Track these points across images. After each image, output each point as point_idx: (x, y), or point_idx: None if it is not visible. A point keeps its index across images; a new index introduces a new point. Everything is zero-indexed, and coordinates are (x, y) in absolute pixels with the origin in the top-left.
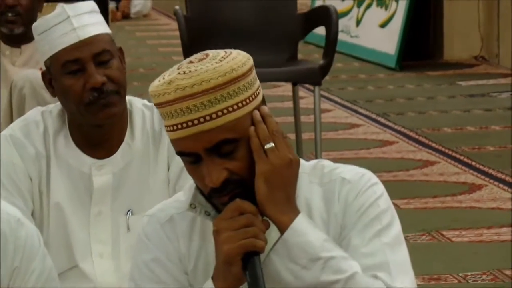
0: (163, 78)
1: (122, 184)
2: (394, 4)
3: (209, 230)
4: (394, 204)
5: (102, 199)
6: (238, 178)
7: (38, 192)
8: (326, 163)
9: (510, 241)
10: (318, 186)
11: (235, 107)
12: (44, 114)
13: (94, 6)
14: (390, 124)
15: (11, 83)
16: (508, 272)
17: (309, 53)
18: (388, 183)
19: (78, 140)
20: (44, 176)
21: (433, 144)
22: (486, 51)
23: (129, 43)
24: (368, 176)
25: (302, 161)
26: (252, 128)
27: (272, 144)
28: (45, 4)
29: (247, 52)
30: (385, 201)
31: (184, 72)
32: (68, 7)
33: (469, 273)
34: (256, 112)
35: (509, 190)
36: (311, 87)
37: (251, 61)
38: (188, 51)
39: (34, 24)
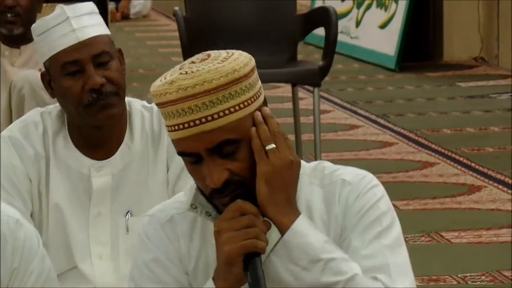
0: (165, 78)
1: (121, 185)
2: (393, 5)
3: (210, 231)
4: (394, 205)
5: (101, 200)
6: (239, 179)
7: (37, 193)
8: (326, 165)
9: (509, 242)
10: (319, 188)
11: (237, 107)
12: (43, 115)
13: (93, 7)
14: (389, 125)
15: (11, 84)
16: (507, 273)
17: (308, 54)
18: (388, 184)
19: (77, 141)
20: (43, 177)
21: (433, 145)
22: (485, 52)
23: (129, 44)
24: (368, 178)
25: (302, 162)
26: (254, 129)
27: (273, 145)
28: (44, 4)
29: (247, 53)
30: (386, 203)
31: (186, 72)
32: (67, 8)
33: (468, 274)
34: (258, 113)
35: (509, 191)
36: (311, 88)
37: (253, 62)
38: (187, 52)
39: (33, 25)
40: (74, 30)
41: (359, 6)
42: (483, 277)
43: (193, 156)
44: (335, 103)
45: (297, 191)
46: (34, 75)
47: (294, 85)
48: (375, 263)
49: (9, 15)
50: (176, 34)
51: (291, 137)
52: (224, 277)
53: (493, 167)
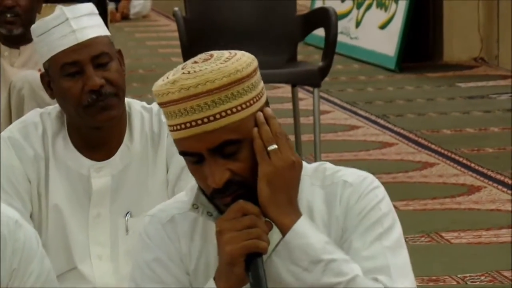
0: (167, 78)
1: (121, 186)
2: (393, 5)
3: (211, 231)
4: (393, 206)
5: (101, 201)
6: (241, 179)
7: (36, 194)
8: (328, 166)
9: (509, 242)
10: (320, 189)
11: (239, 108)
12: (43, 115)
13: (93, 8)
14: (389, 125)
15: (10, 84)
16: (507, 274)
17: (308, 54)
18: (388, 184)
19: (76, 142)
20: (42, 178)
21: (433, 146)
22: (485, 52)
23: (129, 44)
24: (370, 180)
25: (304, 163)
26: (256, 129)
27: (275, 146)
28: (44, 5)
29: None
30: (387, 205)
31: (189, 72)
32: (67, 9)
33: (467, 275)
34: (260, 114)
35: (508, 191)
36: (311, 89)
37: (255, 63)
38: (187, 53)
39: (33, 26)
40: (73, 31)
41: (359, 6)
42: (482, 278)
43: (195, 156)
44: (335, 104)
45: (298, 192)
46: (33, 75)
47: (294, 86)
48: (375, 264)
49: (8, 15)
50: (176, 34)
51: (291, 137)
52: (226, 277)
53: (493, 167)
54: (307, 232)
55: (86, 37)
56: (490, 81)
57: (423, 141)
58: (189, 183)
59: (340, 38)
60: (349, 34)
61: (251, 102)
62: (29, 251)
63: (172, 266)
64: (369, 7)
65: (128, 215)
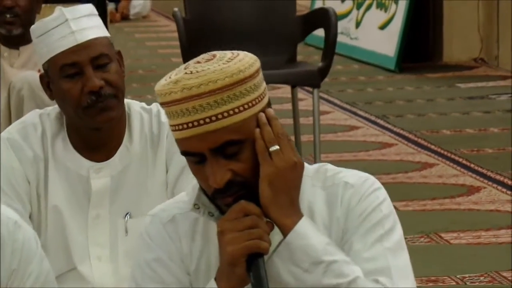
0: (170, 78)
1: (120, 187)
2: (393, 6)
3: (212, 231)
4: (393, 206)
5: (100, 202)
6: (242, 180)
7: (36, 195)
8: (329, 167)
9: (509, 243)
10: (321, 190)
11: (241, 108)
12: (42, 116)
13: (92, 9)
14: (389, 126)
15: (10, 85)
16: (506, 274)
17: (308, 55)
18: (387, 185)
19: (76, 143)
20: (42, 179)
21: (432, 146)
22: (485, 53)
23: (128, 45)
24: (371, 181)
25: (305, 164)
26: (258, 130)
27: (277, 147)
28: (43, 5)
29: None
30: (388, 206)
31: (191, 72)
32: (66, 10)
33: (467, 275)
34: (262, 114)
35: (508, 192)
36: (310, 89)
37: (258, 63)
38: (187, 53)
39: (32, 27)
40: (73, 32)
41: (359, 7)
42: (481, 278)
43: (196, 156)
44: (335, 104)
45: (300, 193)
46: (33, 76)
47: (293, 86)
48: (376, 266)
49: (8, 15)
50: (176, 35)
51: (291, 138)
52: (227, 278)
53: (493, 168)
54: (308, 233)
55: (85, 38)
56: (490, 82)
57: (422, 142)
58: (189, 184)
59: (340, 38)
60: (349, 34)
61: (254, 102)
62: (28, 252)
63: (173, 266)
64: (369, 7)
65: (128, 216)
